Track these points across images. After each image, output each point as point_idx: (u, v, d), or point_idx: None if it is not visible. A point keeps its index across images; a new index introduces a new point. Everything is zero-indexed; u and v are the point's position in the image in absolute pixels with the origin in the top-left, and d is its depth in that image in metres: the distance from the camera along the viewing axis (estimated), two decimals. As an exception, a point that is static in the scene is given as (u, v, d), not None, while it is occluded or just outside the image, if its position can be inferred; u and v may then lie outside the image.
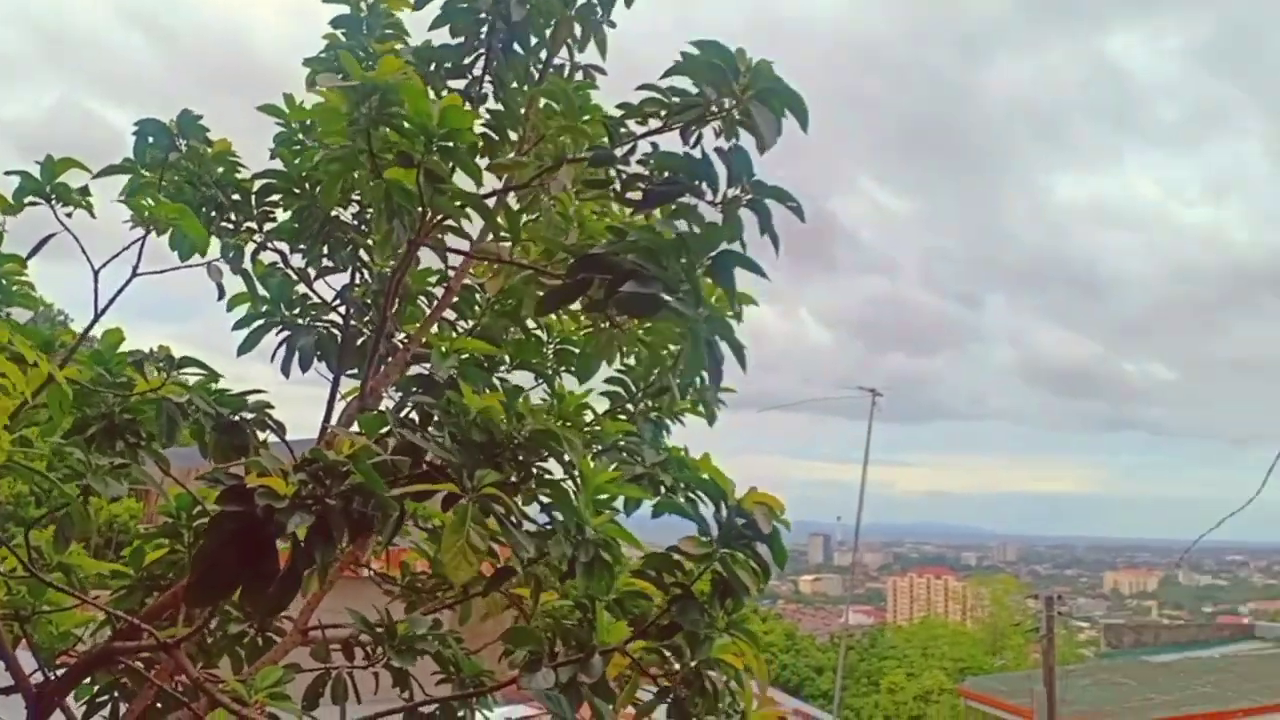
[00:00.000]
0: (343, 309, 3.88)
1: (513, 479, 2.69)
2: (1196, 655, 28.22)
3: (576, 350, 4.10)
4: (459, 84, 3.76)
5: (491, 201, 3.27)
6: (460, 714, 3.33)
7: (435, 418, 2.77)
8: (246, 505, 2.15)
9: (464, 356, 3.20)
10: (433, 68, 3.71)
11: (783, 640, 52.54)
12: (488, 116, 3.72)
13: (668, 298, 2.51)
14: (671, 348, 3.84)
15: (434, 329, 3.79)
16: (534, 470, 2.73)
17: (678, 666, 2.94)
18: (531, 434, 2.70)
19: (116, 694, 3.52)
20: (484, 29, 3.70)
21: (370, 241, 3.71)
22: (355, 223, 3.74)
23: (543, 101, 3.59)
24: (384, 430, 2.69)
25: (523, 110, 3.69)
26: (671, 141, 2.78)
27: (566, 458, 2.80)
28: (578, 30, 3.82)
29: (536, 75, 3.85)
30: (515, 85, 3.76)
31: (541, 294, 3.41)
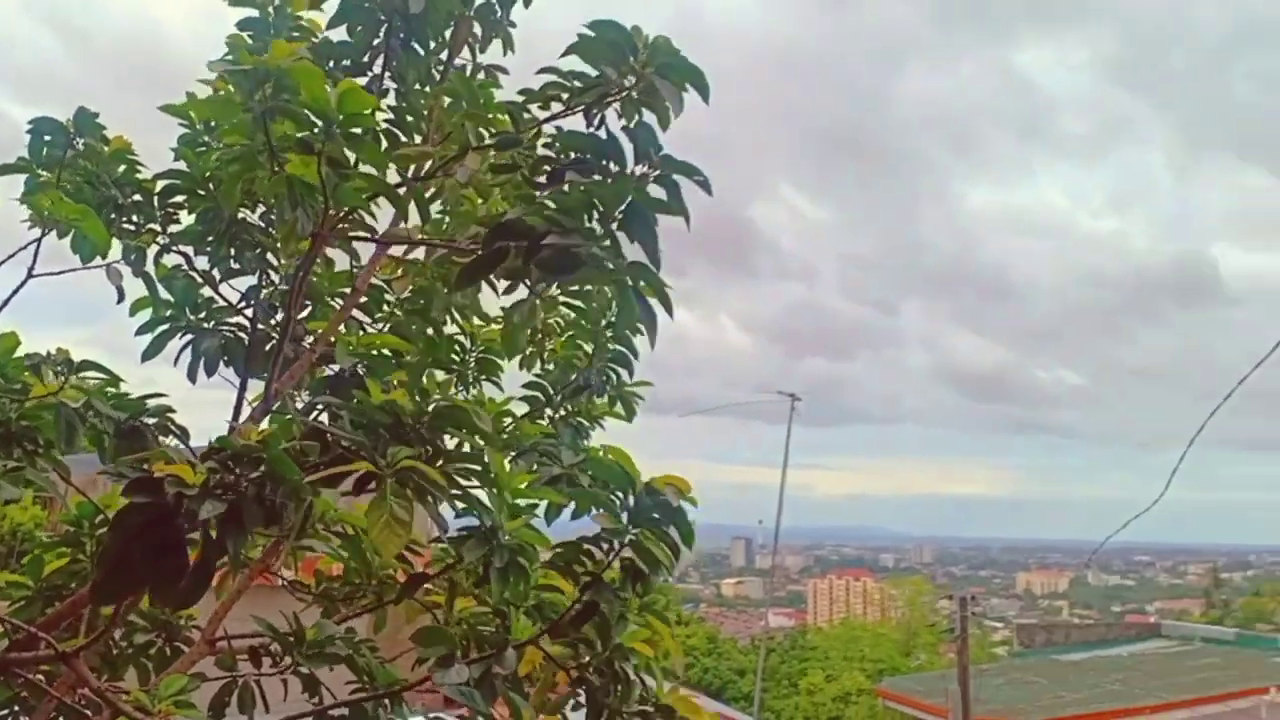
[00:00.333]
0: (250, 312, 3.81)
1: (423, 457, 2.65)
2: (1105, 654, 28.94)
3: (499, 359, 4.08)
4: (359, 81, 3.71)
5: (400, 191, 3.23)
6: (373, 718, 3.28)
7: (343, 416, 2.73)
8: (155, 495, 2.09)
9: (373, 353, 3.17)
10: (331, 65, 3.65)
11: (705, 644, 52.76)
12: (390, 114, 3.67)
13: (587, 250, 2.50)
14: (585, 350, 3.83)
15: (342, 329, 3.73)
16: (442, 448, 2.70)
17: (589, 659, 2.94)
18: (438, 411, 2.67)
19: (16, 708, 3.40)
20: (383, 27, 3.65)
21: (277, 243, 3.64)
22: (262, 224, 3.68)
23: (446, 100, 3.56)
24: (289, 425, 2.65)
25: (426, 111, 3.65)
26: (575, 125, 2.78)
27: (482, 450, 2.78)
28: (479, 30, 3.80)
29: (438, 76, 3.81)
30: (417, 86, 3.71)
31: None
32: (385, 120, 3.55)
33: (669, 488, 2.71)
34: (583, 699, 3.00)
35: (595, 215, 2.55)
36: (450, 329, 4.04)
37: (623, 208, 2.55)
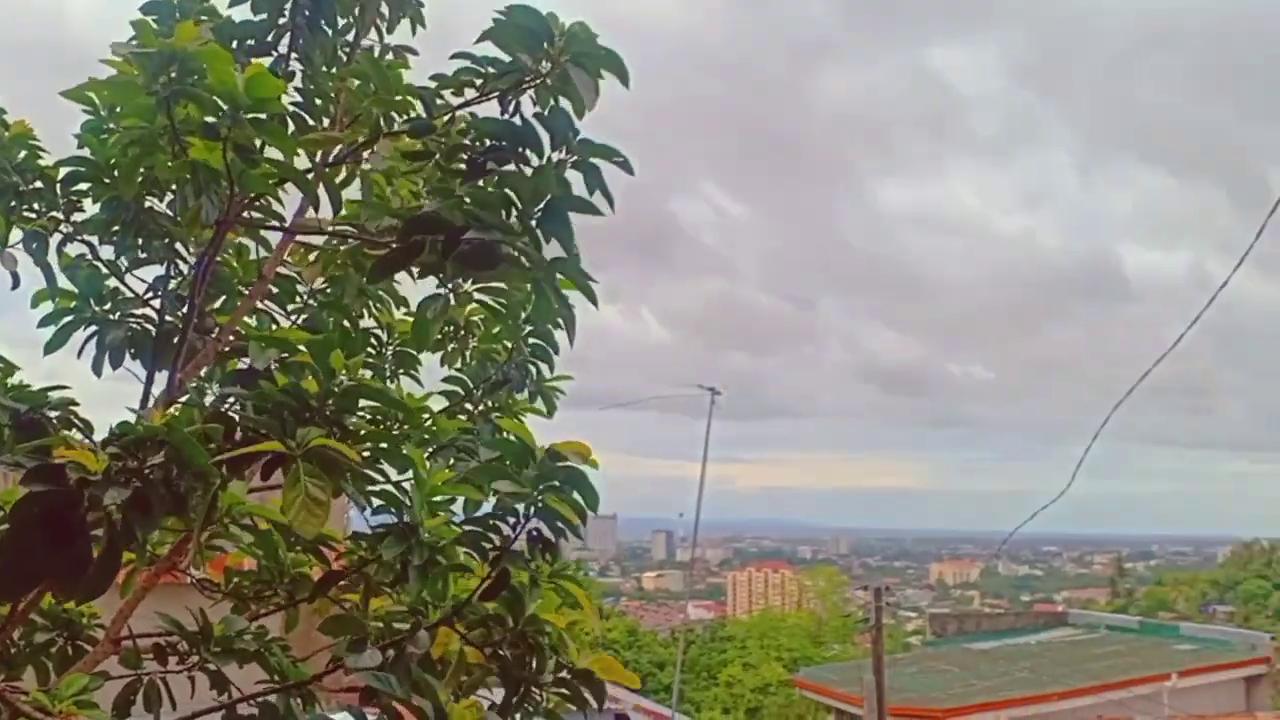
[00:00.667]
0: (157, 302, 3.70)
1: (332, 436, 2.60)
2: (1015, 642, 29.58)
3: (416, 353, 4.02)
4: (264, 62, 3.60)
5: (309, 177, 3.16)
6: (284, 714, 3.23)
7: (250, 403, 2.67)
8: (55, 483, 2.02)
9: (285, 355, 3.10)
10: (235, 45, 3.55)
11: (625, 637, 52.91)
12: (296, 96, 3.58)
13: (508, 249, 2.47)
14: (505, 344, 3.80)
15: (253, 321, 3.65)
16: (350, 428, 2.65)
17: (502, 635, 2.92)
18: (345, 390, 2.62)
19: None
20: (288, 4, 3.56)
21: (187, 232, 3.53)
22: (169, 212, 3.56)
23: (355, 82, 3.49)
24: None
25: (333, 94, 3.56)
26: (490, 112, 2.73)
27: (393, 432, 2.75)
28: (386, 9, 3.73)
29: (345, 58, 3.73)
30: (324, 68, 3.62)
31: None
32: (292, 103, 3.46)
33: (570, 453, 2.70)
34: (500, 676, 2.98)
35: (514, 210, 2.53)
36: (366, 321, 3.97)
37: (541, 204, 2.54)
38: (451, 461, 3.46)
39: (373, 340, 4.03)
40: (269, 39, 3.59)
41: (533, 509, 2.71)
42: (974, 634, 31.96)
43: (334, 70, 3.62)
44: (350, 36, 3.73)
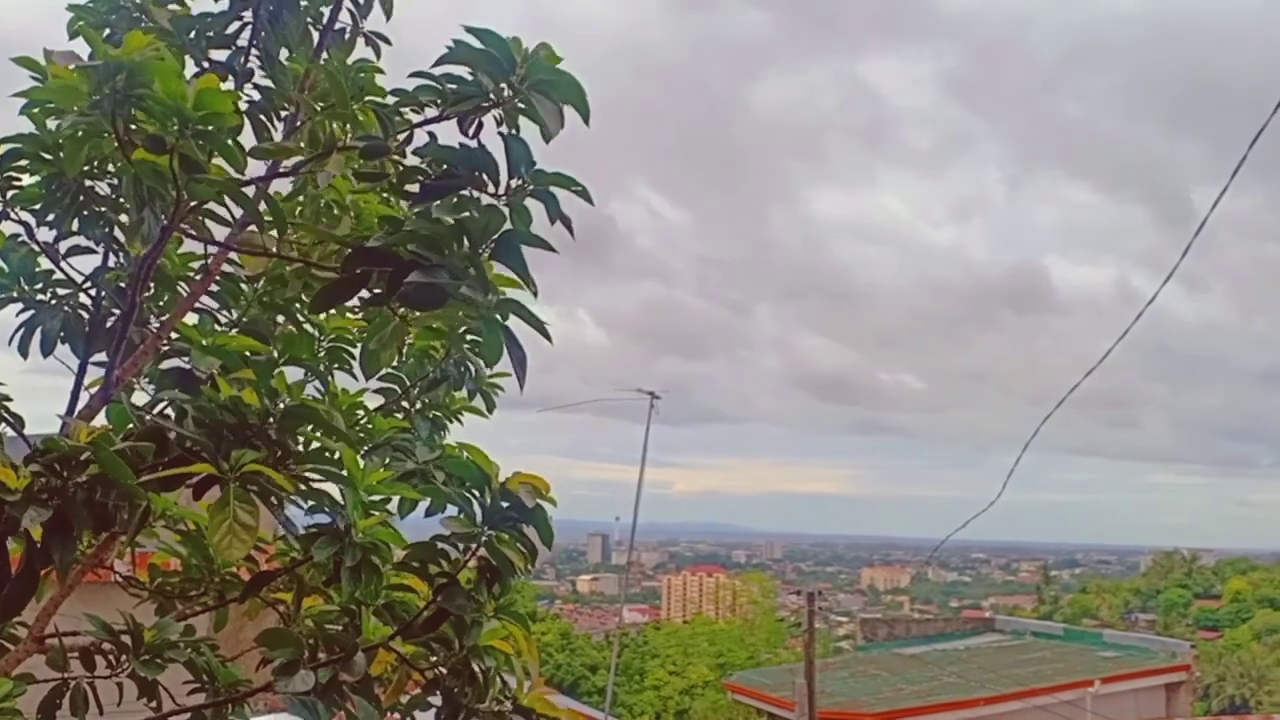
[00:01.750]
0: (94, 291, 3.58)
1: (269, 459, 2.55)
2: (943, 647, 30.01)
3: (353, 347, 3.95)
4: (222, 54, 3.50)
5: (253, 189, 3.08)
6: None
7: (189, 412, 2.60)
8: (-30, 501, 1.96)
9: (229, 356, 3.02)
10: (193, 36, 3.44)
11: (558, 640, 52.85)
12: (254, 94, 3.49)
13: (455, 287, 2.44)
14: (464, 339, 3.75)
15: (193, 320, 3.55)
16: (291, 449, 2.61)
17: (446, 656, 2.89)
18: (287, 410, 2.57)
19: None
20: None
21: (124, 221, 3.42)
22: (113, 196, 3.42)
23: (315, 85, 3.42)
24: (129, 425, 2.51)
25: (297, 85, 3.47)
26: (449, 129, 2.69)
27: (335, 450, 2.70)
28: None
29: (316, 38, 3.63)
30: (286, 60, 3.52)
31: (316, 289, 3.25)
32: (248, 101, 3.38)
33: (525, 487, 2.67)
34: (436, 700, 2.95)
35: (465, 241, 2.49)
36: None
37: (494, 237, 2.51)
38: (387, 461, 3.42)
39: (307, 335, 3.94)
40: (228, 31, 3.48)
41: (482, 542, 2.68)
42: (904, 639, 32.37)
43: (298, 54, 3.50)
44: (324, 13, 3.61)
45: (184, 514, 3.29)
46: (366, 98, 3.25)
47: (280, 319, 3.72)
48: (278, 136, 3.49)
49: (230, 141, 2.63)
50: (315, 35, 3.65)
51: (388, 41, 3.71)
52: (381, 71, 3.49)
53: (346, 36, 3.70)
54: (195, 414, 2.47)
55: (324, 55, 3.58)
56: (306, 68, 3.41)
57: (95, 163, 2.99)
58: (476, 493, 2.73)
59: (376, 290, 2.58)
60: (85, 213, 3.36)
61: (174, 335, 3.38)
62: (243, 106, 3.31)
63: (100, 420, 2.94)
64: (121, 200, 3.27)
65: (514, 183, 2.57)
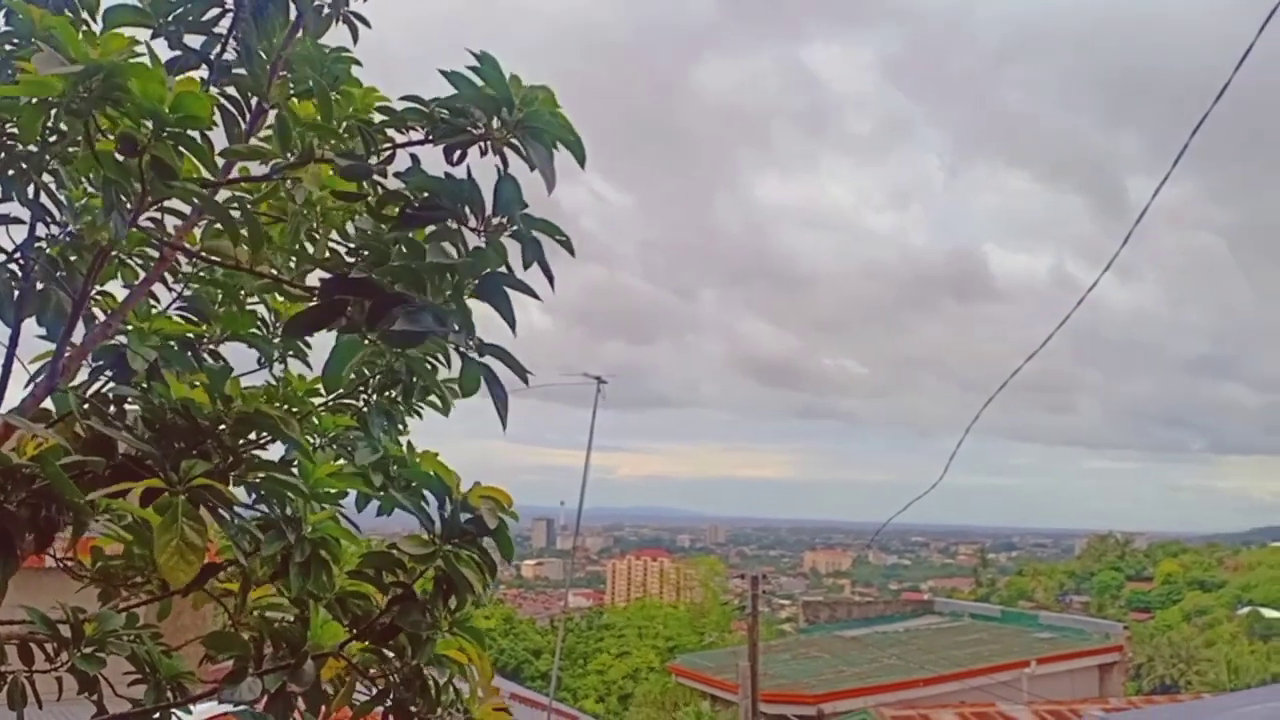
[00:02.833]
0: (22, 260, 3.40)
1: (221, 467, 2.50)
2: (884, 629, 30.48)
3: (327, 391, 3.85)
4: (197, 40, 3.33)
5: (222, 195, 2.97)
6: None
7: (129, 401, 2.54)
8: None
9: (168, 341, 2.94)
10: (170, 20, 3.29)
11: (501, 625, 52.82)
12: (229, 89, 3.34)
13: (439, 331, 2.38)
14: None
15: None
16: (244, 456, 2.56)
17: (399, 665, 2.86)
18: (240, 416, 2.51)
19: None
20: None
21: (62, 194, 3.25)
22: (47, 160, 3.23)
23: (292, 93, 3.27)
24: (71, 419, 2.42)
25: (269, 72, 3.32)
26: (432, 155, 2.61)
27: (285, 446, 2.65)
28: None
29: (293, 18, 3.46)
30: (264, 56, 3.38)
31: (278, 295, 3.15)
32: (224, 96, 3.24)
33: (487, 503, 2.64)
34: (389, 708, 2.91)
35: (449, 278, 2.43)
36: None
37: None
38: (338, 457, 3.36)
39: (259, 322, 3.85)
40: (205, 18, 3.32)
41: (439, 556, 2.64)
42: (845, 621, 32.82)
43: (276, 39, 3.36)
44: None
45: (127, 509, 3.22)
46: (343, 87, 3.14)
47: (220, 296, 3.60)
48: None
49: (202, 142, 2.55)
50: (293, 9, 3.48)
51: (367, 24, 3.55)
52: (358, 63, 3.38)
53: (325, 12, 3.52)
54: (145, 414, 2.40)
55: (298, 35, 3.42)
56: (278, 53, 3.29)
57: (53, 138, 2.86)
58: (435, 502, 2.69)
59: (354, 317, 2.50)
60: (11, 171, 3.19)
61: (110, 311, 3.27)
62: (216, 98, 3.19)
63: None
64: (58, 168, 3.12)
65: (496, 220, 2.51)
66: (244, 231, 2.85)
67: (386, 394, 3.71)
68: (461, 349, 2.47)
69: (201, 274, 3.56)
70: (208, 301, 3.50)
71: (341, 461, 3.21)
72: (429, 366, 3.57)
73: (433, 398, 3.85)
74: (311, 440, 3.35)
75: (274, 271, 3.31)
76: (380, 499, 2.90)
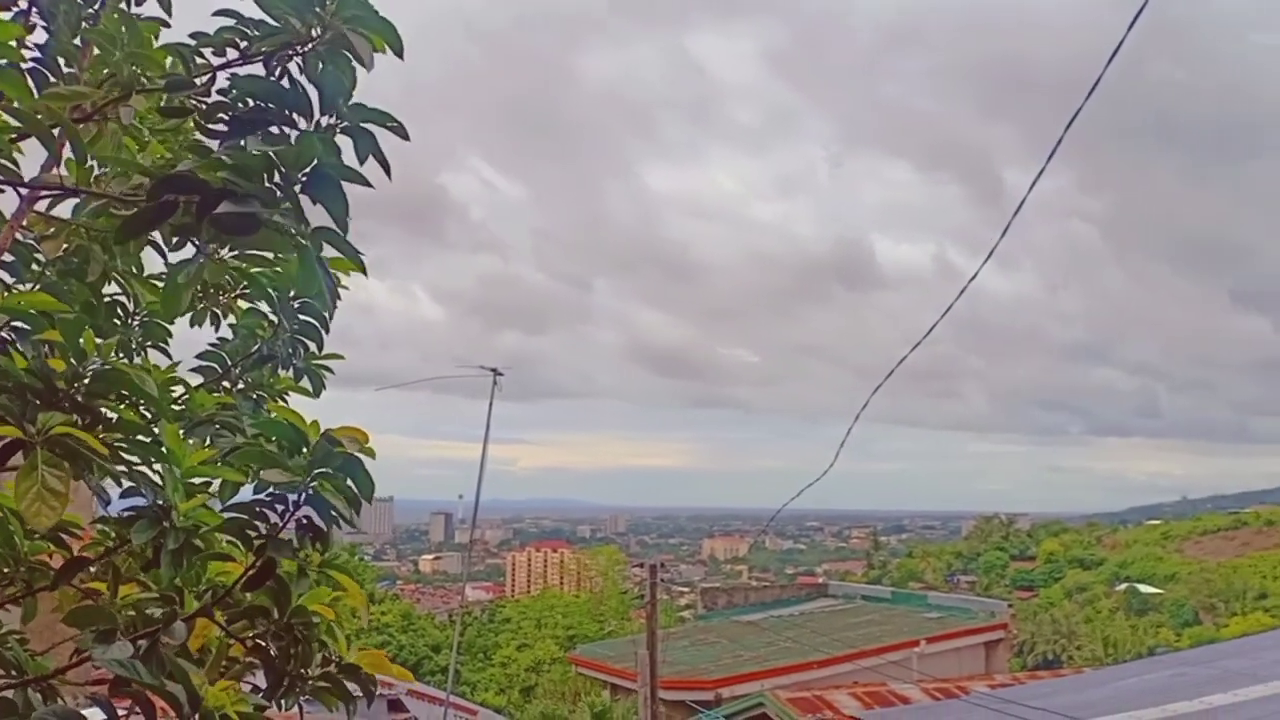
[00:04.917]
0: None
1: (80, 425, 2.41)
2: (780, 613, 30.96)
3: (167, 324, 3.73)
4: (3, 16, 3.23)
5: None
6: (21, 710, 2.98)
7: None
8: None
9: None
10: None
11: (399, 620, 52.14)
12: (36, 52, 3.23)
13: (268, 215, 2.32)
14: (270, 319, 3.61)
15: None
16: (101, 416, 2.47)
17: (267, 624, 2.80)
18: (96, 374, 2.45)
19: None
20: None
21: None
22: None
23: (96, 50, 3.17)
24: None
25: (79, 48, 3.22)
26: (253, 74, 2.54)
27: (149, 421, 2.56)
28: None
29: (93, 15, 3.36)
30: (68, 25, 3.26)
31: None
32: (32, 58, 3.14)
33: (346, 439, 2.60)
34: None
35: (278, 174, 2.38)
36: (110, 288, 3.65)
37: (308, 169, 2.40)
38: (209, 441, 3.27)
39: (118, 311, 3.73)
40: None
41: (303, 496, 2.59)
42: (742, 607, 33.24)
43: (83, 25, 3.27)
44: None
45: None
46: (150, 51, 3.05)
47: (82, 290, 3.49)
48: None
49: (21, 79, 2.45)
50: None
51: (167, 25, 3.45)
52: (168, 25, 3.26)
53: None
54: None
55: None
56: (86, 33, 3.17)
57: None
58: (295, 452, 2.64)
59: (185, 221, 2.41)
60: None
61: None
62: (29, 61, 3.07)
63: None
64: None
65: (326, 120, 2.46)
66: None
67: (252, 377, 3.63)
68: (295, 233, 2.40)
69: (59, 266, 3.41)
70: (61, 288, 3.36)
71: (210, 445, 3.13)
72: (302, 347, 3.51)
73: (304, 383, 3.79)
74: (179, 423, 3.25)
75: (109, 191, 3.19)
76: (248, 454, 2.81)
